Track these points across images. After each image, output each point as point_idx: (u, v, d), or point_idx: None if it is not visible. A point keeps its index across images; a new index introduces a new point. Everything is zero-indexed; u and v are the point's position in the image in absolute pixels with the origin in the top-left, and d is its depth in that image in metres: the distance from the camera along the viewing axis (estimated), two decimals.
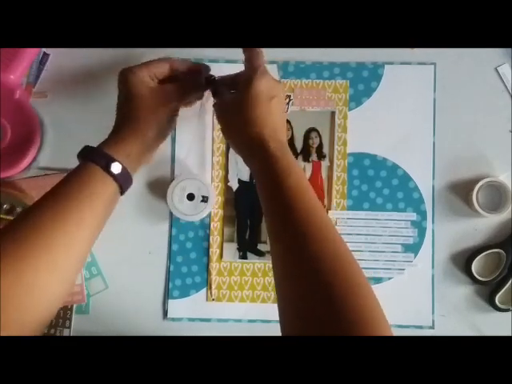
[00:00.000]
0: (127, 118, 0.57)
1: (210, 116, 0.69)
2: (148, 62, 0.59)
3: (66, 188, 0.52)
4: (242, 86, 0.55)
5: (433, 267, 0.67)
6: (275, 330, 0.46)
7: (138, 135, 0.56)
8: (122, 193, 0.55)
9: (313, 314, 0.44)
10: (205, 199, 0.66)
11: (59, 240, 0.48)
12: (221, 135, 0.69)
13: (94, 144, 0.55)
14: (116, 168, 0.53)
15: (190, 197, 0.66)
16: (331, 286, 0.44)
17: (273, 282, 0.66)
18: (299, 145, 0.69)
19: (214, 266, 0.68)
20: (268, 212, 0.52)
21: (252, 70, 0.56)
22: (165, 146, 0.69)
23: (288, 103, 0.69)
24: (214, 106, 0.62)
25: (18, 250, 0.46)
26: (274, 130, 0.54)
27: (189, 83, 0.61)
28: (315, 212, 0.50)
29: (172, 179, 0.67)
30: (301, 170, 0.54)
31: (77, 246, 0.50)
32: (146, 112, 0.57)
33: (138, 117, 0.56)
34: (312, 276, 0.46)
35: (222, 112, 0.59)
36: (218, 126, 0.69)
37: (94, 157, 0.53)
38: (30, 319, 0.46)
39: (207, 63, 0.66)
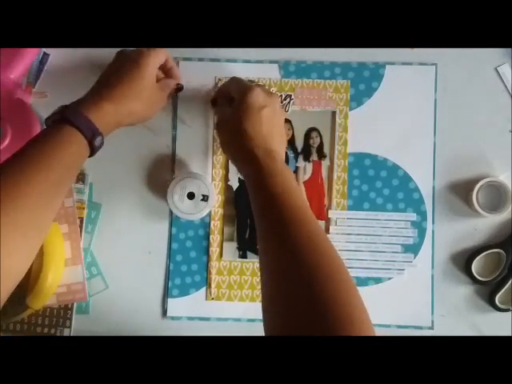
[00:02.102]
0: (123, 87, 0.57)
1: (210, 115, 0.69)
2: (158, 50, 0.61)
3: (45, 153, 0.50)
4: (235, 100, 0.58)
5: (432, 267, 0.67)
6: None
7: (123, 108, 0.57)
8: (89, 156, 0.56)
9: (294, 310, 0.45)
10: (205, 198, 0.66)
11: (32, 206, 0.48)
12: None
13: None
14: (98, 141, 0.54)
15: (191, 196, 0.66)
16: (313, 281, 0.45)
17: None
18: (300, 144, 0.69)
19: (214, 264, 0.68)
20: (256, 213, 0.53)
21: (241, 86, 0.59)
22: (165, 146, 0.69)
23: (289, 103, 0.69)
24: (214, 119, 0.66)
25: None
26: (264, 139, 0.56)
27: (170, 88, 0.64)
28: (301, 211, 0.51)
29: (172, 178, 0.67)
30: (290, 174, 0.55)
31: (48, 212, 0.50)
32: (144, 93, 0.59)
33: (137, 93, 0.58)
34: (294, 270, 0.47)
35: (219, 126, 0.62)
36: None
37: (80, 125, 0.53)
38: None
39: (209, 62, 0.66)
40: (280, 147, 0.58)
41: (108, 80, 0.59)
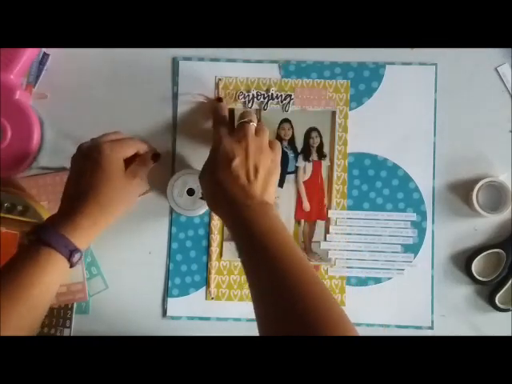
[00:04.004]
0: (94, 201, 0.56)
1: (210, 114, 0.69)
2: (122, 143, 0.59)
3: (24, 274, 0.51)
4: (209, 154, 0.59)
5: (432, 267, 0.67)
6: None
7: (99, 221, 0.56)
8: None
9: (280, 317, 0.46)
10: (204, 197, 0.66)
11: (16, 325, 0.49)
12: None
13: None
14: (77, 257, 0.55)
15: (190, 192, 0.66)
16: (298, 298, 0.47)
17: None
18: (300, 144, 0.69)
19: (214, 264, 0.68)
20: (243, 260, 0.53)
21: (214, 137, 0.60)
22: (165, 146, 0.69)
23: (289, 103, 0.69)
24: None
25: None
26: (241, 188, 0.55)
27: (144, 161, 0.62)
28: (287, 254, 0.51)
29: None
30: (272, 213, 0.55)
31: (30, 329, 0.51)
32: (117, 195, 0.58)
33: (110, 200, 0.57)
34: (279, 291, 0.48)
35: (200, 179, 0.60)
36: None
37: (58, 246, 0.53)
38: None
39: (209, 62, 0.66)
40: (264, 187, 0.57)
41: (77, 189, 0.57)
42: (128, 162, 0.60)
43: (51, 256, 0.53)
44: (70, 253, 0.53)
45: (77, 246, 0.54)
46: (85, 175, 0.57)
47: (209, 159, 0.58)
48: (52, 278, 0.53)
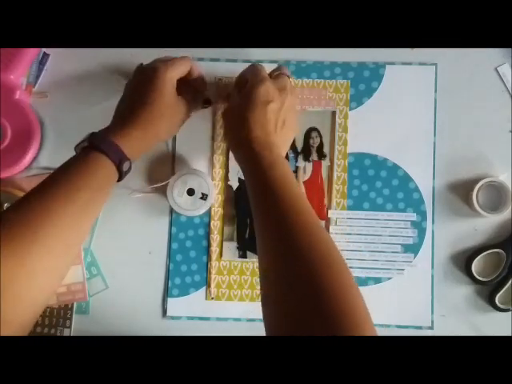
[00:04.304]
0: (146, 112, 0.57)
1: (210, 115, 0.69)
2: (175, 62, 0.60)
3: (73, 177, 0.52)
4: (244, 91, 0.59)
5: (432, 267, 0.67)
6: None
7: (149, 133, 0.58)
8: (118, 181, 0.57)
9: (295, 311, 0.45)
10: (204, 197, 0.66)
11: (61, 229, 0.49)
12: (221, 134, 0.69)
13: None
14: (126, 166, 0.55)
15: (190, 192, 0.66)
16: (314, 280, 0.45)
17: None
18: (300, 144, 0.69)
19: (214, 264, 0.68)
20: (254, 205, 0.54)
21: (253, 78, 0.59)
22: (165, 146, 0.69)
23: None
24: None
25: (18, 237, 0.46)
26: (265, 132, 0.56)
27: (197, 100, 0.65)
28: (299, 201, 0.52)
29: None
30: (288, 169, 0.56)
31: (76, 236, 0.51)
32: (168, 112, 0.59)
33: (161, 114, 0.58)
34: (294, 269, 0.47)
35: (225, 112, 0.62)
36: (218, 125, 0.69)
37: (108, 151, 0.53)
38: (26, 305, 0.46)
39: (209, 62, 0.67)
40: (283, 143, 0.59)
41: (130, 104, 0.59)
42: (180, 83, 0.61)
43: (101, 161, 0.53)
44: (119, 160, 0.54)
45: (126, 154, 0.55)
46: (138, 91, 0.59)
47: (243, 95, 0.58)
48: (100, 185, 0.53)
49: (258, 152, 0.55)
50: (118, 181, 0.56)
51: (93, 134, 0.55)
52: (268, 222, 0.52)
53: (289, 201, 0.51)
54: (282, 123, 0.59)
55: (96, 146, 0.54)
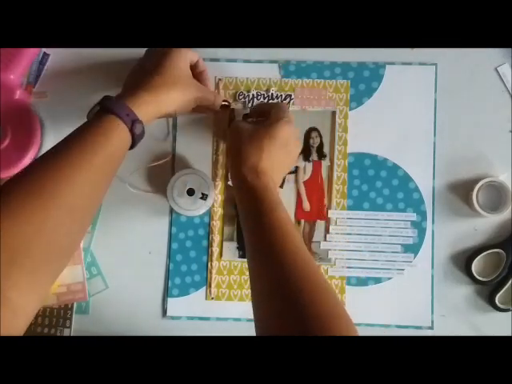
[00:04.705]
0: (160, 77, 0.58)
1: (210, 114, 0.69)
2: (189, 49, 0.63)
3: (87, 140, 0.51)
4: (268, 121, 0.60)
5: (432, 267, 0.67)
6: None
7: (161, 98, 0.58)
8: (130, 148, 0.56)
9: (281, 312, 0.47)
10: (204, 197, 0.66)
11: (77, 192, 0.48)
12: (222, 134, 0.69)
13: None
14: (138, 128, 0.55)
15: (190, 192, 0.66)
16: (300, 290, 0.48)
17: None
18: (300, 144, 0.69)
19: (214, 264, 0.68)
20: (247, 240, 0.56)
21: (280, 115, 0.61)
22: (165, 146, 0.69)
23: (289, 103, 0.69)
24: (230, 124, 0.66)
25: (37, 199, 0.46)
26: (273, 170, 0.58)
27: (211, 99, 0.64)
28: (294, 246, 0.53)
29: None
30: (283, 208, 0.57)
31: (92, 199, 0.51)
32: (181, 82, 0.60)
33: (174, 83, 0.59)
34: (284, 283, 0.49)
35: (238, 127, 0.62)
36: (218, 125, 0.69)
37: (120, 113, 0.53)
38: (44, 259, 0.46)
39: (209, 62, 0.67)
40: (280, 179, 0.62)
41: (143, 70, 0.60)
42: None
43: (114, 123, 0.53)
44: (132, 123, 0.54)
45: (138, 117, 0.55)
46: (153, 60, 0.60)
47: (268, 125, 0.60)
48: (114, 149, 0.52)
49: (261, 191, 0.56)
50: (131, 148, 0.56)
51: (105, 98, 0.55)
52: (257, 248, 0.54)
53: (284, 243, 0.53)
54: (288, 165, 0.63)
55: (108, 108, 0.53)
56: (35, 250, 0.44)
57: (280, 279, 0.49)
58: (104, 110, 0.53)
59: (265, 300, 0.50)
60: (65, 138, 0.52)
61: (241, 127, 0.61)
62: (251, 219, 0.56)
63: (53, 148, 0.51)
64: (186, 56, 0.61)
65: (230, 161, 0.63)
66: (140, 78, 0.59)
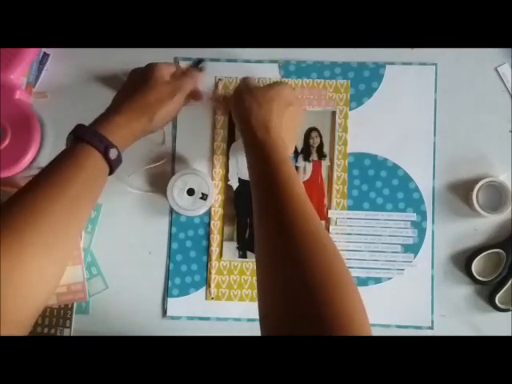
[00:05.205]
0: (135, 103, 0.58)
1: (210, 114, 0.69)
2: (167, 63, 0.64)
3: (62, 170, 0.52)
4: (272, 84, 0.62)
5: (432, 267, 0.67)
6: None
7: (136, 119, 0.58)
8: (110, 174, 0.56)
9: (291, 311, 0.45)
10: (204, 197, 0.66)
11: (54, 223, 0.48)
12: (221, 134, 0.69)
13: None
14: (113, 153, 0.55)
15: (190, 192, 0.66)
16: (310, 280, 0.45)
17: None
18: (300, 144, 0.69)
19: (214, 264, 0.68)
20: (256, 198, 0.54)
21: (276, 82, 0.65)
22: (165, 146, 0.69)
23: None
24: (239, 85, 0.65)
25: (13, 234, 0.46)
26: (280, 129, 0.58)
27: (188, 77, 0.65)
28: (303, 203, 0.51)
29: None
30: (294, 167, 0.56)
31: (71, 228, 0.51)
32: (157, 102, 0.60)
33: (148, 103, 0.59)
34: (291, 268, 0.46)
35: (243, 91, 0.62)
36: (218, 125, 0.69)
37: (92, 140, 0.53)
38: (27, 303, 0.46)
39: (209, 62, 0.67)
40: (290, 144, 0.62)
41: (119, 97, 0.61)
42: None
43: (87, 151, 0.53)
44: (105, 148, 0.54)
45: (112, 142, 0.55)
46: (129, 86, 0.61)
47: (271, 88, 0.61)
48: (89, 176, 0.53)
49: (270, 146, 0.56)
50: (110, 173, 0.56)
51: (78, 126, 0.55)
52: (266, 213, 0.52)
53: (295, 205, 0.51)
54: (295, 127, 0.63)
55: (80, 136, 0.54)
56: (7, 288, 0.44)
57: (292, 253, 0.47)
58: (77, 139, 0.54)
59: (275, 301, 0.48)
60: (43, 169, 0.52)
61: (250, 87, 0.62)
62: (259, 174, 0.55)
63: (33, 179, 0.51)
64: (162, 71, 0.62)
65: (238, 118, 0.62)
66: (114, 103, 0.59)
